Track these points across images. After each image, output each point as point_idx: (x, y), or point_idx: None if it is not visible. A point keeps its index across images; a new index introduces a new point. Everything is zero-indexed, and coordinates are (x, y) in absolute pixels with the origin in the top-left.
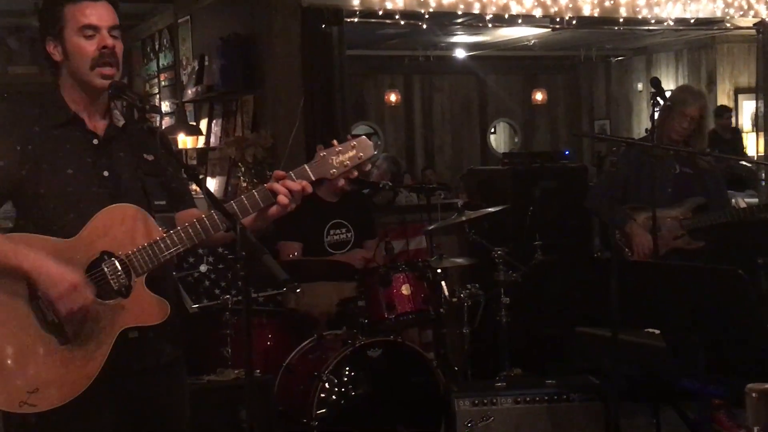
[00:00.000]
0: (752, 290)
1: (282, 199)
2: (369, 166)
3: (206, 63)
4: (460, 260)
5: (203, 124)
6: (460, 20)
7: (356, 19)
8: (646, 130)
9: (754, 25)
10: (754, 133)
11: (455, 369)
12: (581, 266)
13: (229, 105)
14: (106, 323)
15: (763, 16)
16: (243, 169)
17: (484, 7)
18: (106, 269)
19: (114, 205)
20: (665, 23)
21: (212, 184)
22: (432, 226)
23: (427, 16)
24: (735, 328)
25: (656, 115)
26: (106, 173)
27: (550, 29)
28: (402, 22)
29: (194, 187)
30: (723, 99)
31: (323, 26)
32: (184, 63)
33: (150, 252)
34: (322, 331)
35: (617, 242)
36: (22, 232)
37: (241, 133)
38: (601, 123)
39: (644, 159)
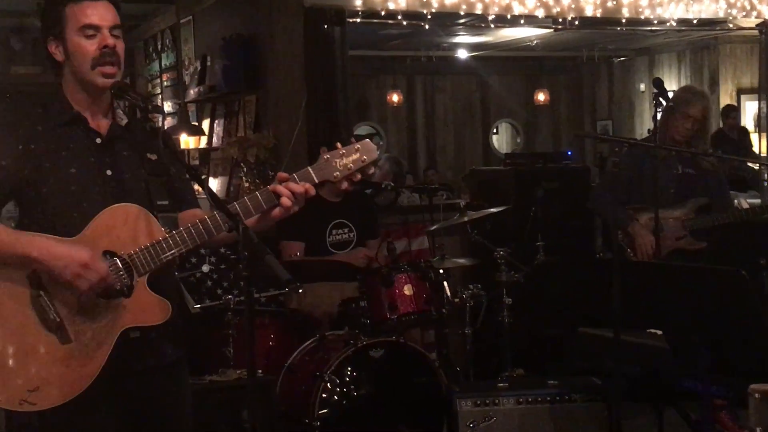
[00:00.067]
0: (754, 291)
1: (285, 201)
2: (372, 170)
3: (208, 63)
4: (462, 261)
5: (205, 125)
6: (462, 21)
7: (359, 20)
8: (649, 130)
9: (757, 25)
10: (757, 134)
11: (457, 369)
12: (583, 267)
13: (231, 105)
14: (108, 323)
15: (766, 17)
16: (245, 169)
17: (486, 7)
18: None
19: (117, 204)
20: (668, 24)
21: (214, 184)
22: (434, 227)
23: (429, 17)
24: (737, 328)
25: (659, 115)
26: (109, 172)
27: (552, 30)
28: (404, 23)
29: (197, 187)
30: (725, 100)
31: (326, 26)
32: (187, 63)
33: (152, 252)
34: (324, 332)
35: (619, 243)
36: (24, 231)
37: (243, 133)
38: (604, 123)
39: (647, 160)
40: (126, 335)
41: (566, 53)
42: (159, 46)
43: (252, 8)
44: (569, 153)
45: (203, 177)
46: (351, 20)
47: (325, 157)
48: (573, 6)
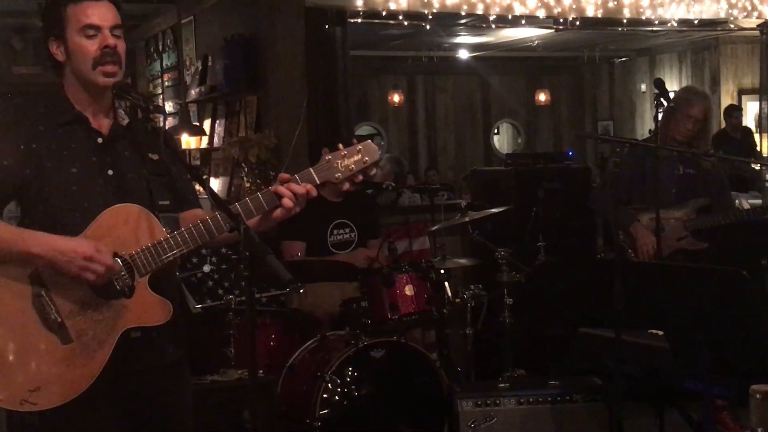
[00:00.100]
0: (755, 291)
1: (286, 202)
2: (374, 171)
3: (210, 63)
4: (463, 261)
5: (206, 125)
6: (463, 21)
7: (360, 20)
8: (650, 131)
9: (758, 26)
10: (758, 134)
11: (458, 369)
12: (584, 267)
13: (232, 105)
14: (109, 323)
15: (767, 17)
16: (246, 169)
17: (487, 7)
18: None
19: (118, 204)
20: (669, 24)
21: (215, 184)
22: (435, 227)
23: (430, 17)
24: (738, 328)
25: (660, 116)
26: (110, 172)
27: (553, 30)
28: (405, 23)
29: (198, 187)
30: (726, 100)
31: (327, 27)
32: (188, 63)
33: (153, 252)
34: (325, 332)
35: (620, 243)
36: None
37: (244, 133)
38: (605, 124)
39: (648, 160)
40: (127, 335)
41: (567, 53)
42: (160, 46)
43: (253, 8)
44: (570, 153)
45: (204, 177)
46: (352, 20)
47: (326, 158)
48: (574, 6)
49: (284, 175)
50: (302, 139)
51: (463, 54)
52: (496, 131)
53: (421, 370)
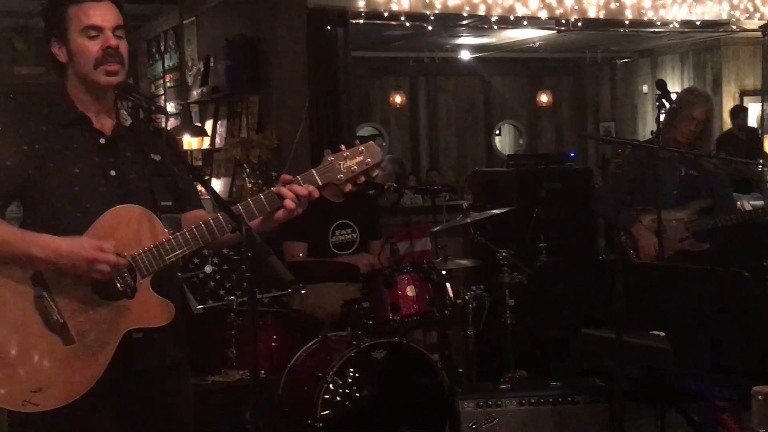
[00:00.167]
0: (757, 292)
1: (289, 203)
2: (377, 172)
3: (212, 64)
4: (464, 262)
5: (208, 125)
6: (465, 22)
7: (362, 21)
8: (652, 132)
9: (760, 27)
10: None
11: (460, 370)
12: (586, 268)
13: (234, 106)
14: (111, 324)
15: None
16: (248, 170)
17: (489, 8)
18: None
19: (120, 205)
20: (671, 25)
21: (217, 185)
22: (437, 228)
23: (432, 18)
24: (739, 330)
25: (662, 117)
26: (112, 173)
27: (555, 31)
28: (407, 24)
29: (200, 188)
30: (728, 101)
31: (329, 27)
32: (190, 64)
33: (156, 253)
34: (326, 333)
35: (622, 244)
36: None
37: (246, 134)
38: (606, 125)
39: (650, 161)
40: (129, 336)
41: (569, 54)
42: (162, 47)
43: (255, 9)
44: (572, 154)
45: (206, 178)
46: (354, 21)
47: (329, 159)
48: (576, 7)
49: (286, 176)
50: (304, 140)
51: (465, 55)
52: (497, 132)
53: (423, 371)
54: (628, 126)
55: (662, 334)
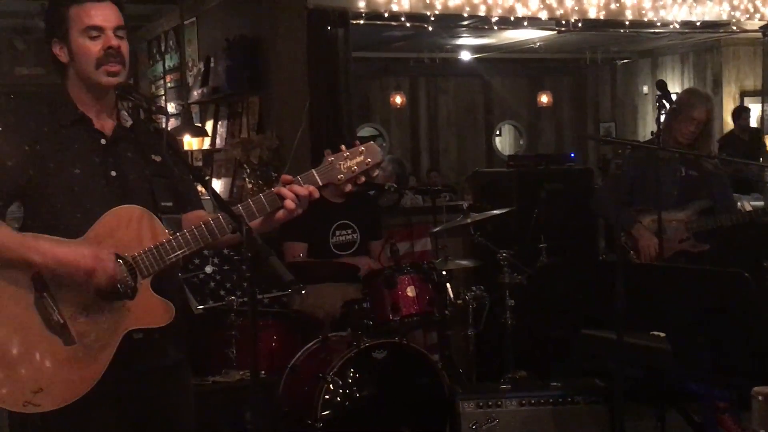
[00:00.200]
0: (757, 293)
1: (289, 203)
2: (377, 172)
3: (212, 64)
4: (465, 262)
5: (209, 126)
6: (465, 22)
7: (362, 21)
8: (652, 132)
9: (760, 28)
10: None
11: (460, 371)
12: (586, 268)
13: (234, 106)
14: (111, 325)
15: None
16: (248, 170)
17: (489, 9)
18: None
19: (120, 206)
20: (671, 26)
21: (217, 185)
22: (437, 228)
23: (432, 19)
24: (740, 330)
25: (662, 118)
26: (113, 173)
27: (555, 32)
28: (408, 24)
29: (200, 188)
30: (729, 102)
31: (329, 28)
32: (190, 64)
33: (156, 254)
34: (326, 333)
35: (622, 245)
36: (29, 232)
37: (246, 134)
38: (607, 126)
39: (650, 162)
40: (129, 336)
41: (569, 55)
42: (162, 48)
43: (255, 10)
44: (572, 155)
45: (206, 178)
46: (354, 22)
47: (329, 159)
48: (576, 8)
49: (287, 177)
50: (304, 141)
51: (465, 55)
52: (498, 133)
53: (423, 371)
54: (628, 127)
55: (662, 334)
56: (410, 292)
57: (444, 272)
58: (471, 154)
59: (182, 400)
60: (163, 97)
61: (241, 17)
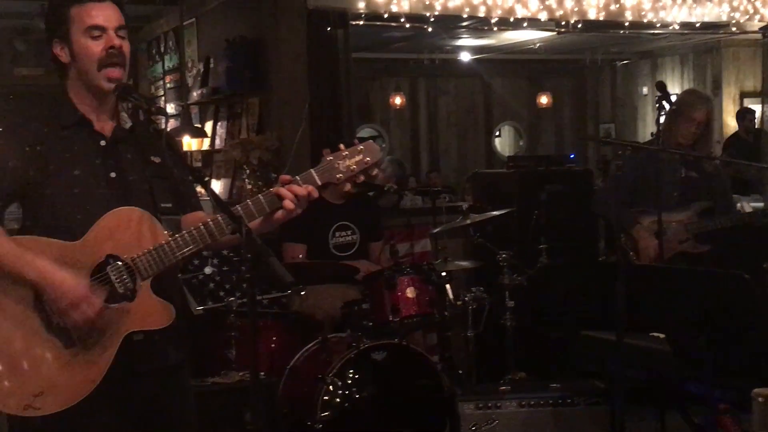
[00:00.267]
0: (757, 294)
1: (288, 204)
2: (376, 171)
3: (212, 65)
4: (464, 263)
5: (208, 127)
6: (465, 23)
7: (362, 22)
8: (652, 134)
9: (760, 29)
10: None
11: (460, 372)
12: (586, 270)
13: (234, 107)
14: (111, 327)
15: None
16: (248, 171)
17: (489, 10)
18: (111, 273)
19: (120, 208)
20: (671, 27)
21: (217, 186)
22: (437, 229)
23: (432, 19)
24: (740, 332)
25: (662, 119)
26: (113, 175)
27: (555, 32)
28: (407, 25)
29: (200, 189)
30: (729, 103)
31: (329, 29)
32: (190, 65)
33: (156, 255)
34: (326, 334)
35: (623, 246)
36: (28, 233)
37: (246, 135)
38: (607, 127)
39: (650, 163)
40: (129, 338)
41: (569, 56)
42: (162, 48)
43: (255, 10)
44: (572, 156)
45: (206, 179)
46: (354, 22)
47: (327, 158)
48: (576, 9)
49: (285, 177)
50: (304, 141)
51: (465, 56)
52: (497, 134)
53: (423, 372)
54: (628, 128)
55: (662, 336)
56: (410, 293)
57: (444, 273)
58: (471, 155)
59: (183, 401)
60: (163, 98)
61: (240, 18)
